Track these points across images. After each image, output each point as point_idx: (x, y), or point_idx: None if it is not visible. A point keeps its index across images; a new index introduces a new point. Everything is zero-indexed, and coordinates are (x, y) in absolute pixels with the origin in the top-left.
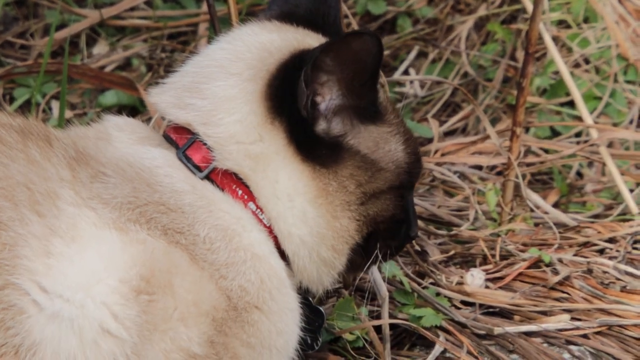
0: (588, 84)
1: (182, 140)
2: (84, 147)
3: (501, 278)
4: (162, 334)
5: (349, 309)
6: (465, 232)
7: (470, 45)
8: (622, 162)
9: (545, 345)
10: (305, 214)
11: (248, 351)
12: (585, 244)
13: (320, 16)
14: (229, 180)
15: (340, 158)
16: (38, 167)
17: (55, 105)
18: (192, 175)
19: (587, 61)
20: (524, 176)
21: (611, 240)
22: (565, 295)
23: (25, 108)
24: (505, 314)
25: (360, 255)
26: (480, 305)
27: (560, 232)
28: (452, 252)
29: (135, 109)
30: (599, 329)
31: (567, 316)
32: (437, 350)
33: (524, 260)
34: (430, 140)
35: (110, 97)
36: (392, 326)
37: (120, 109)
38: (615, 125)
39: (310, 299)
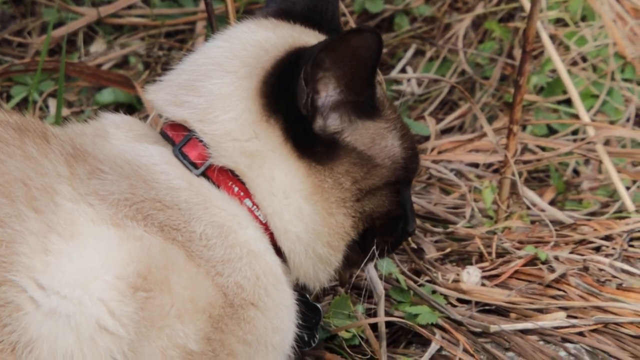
0: (585, 82)
1: (179, 137)
2: (81, 143)
3: (497, 276)
4: (159, 331)
5: (345, 307)
6: (461, 230)
7: (468, 44)
8: (619, 160)
9: (541, 342)
10: (301, 211)
11: (244, 348)
12: (582, 242)
13: (318, 13)
14: (225, 177)
15: (336, 155)
16: (35, 163)
17: (52, 103)
18: (188, 173)
19: (584, 59)
20: (520, 174)
21: (607, 237)
22: (561, 292)
23: (23, 106)
24: (501, 311)
25: (357, 252)
26: (477, 303)
27: (556, 230)
28: (448, 250)
29: (132, 107)
30: (595, 327)
31: (563, 314)
32: (433, 348)
33: (520, 257)
34: (427, 138)
35: (107, 95)
36: (388, 324)
37: (117, 107)
38: (612, 123)
39: (307, 295)
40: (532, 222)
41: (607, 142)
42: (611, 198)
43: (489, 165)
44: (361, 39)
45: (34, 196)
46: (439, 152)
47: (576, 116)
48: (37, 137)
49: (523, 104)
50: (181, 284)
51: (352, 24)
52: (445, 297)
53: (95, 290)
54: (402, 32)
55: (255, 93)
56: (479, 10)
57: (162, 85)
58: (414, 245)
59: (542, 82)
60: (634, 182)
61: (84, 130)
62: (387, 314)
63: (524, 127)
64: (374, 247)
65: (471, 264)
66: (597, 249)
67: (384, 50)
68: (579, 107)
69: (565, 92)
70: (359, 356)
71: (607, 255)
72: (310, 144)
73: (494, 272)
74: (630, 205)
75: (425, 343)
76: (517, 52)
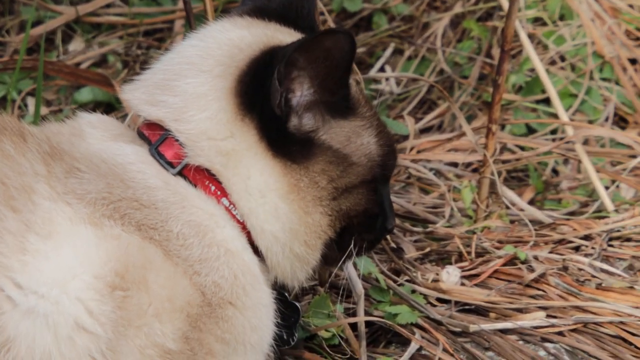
0: (564, 82)
1: (155, 136)
2: (58, 142)
3: (477, 275)
4: (136, 330)
5: (324, 307)
6: (440, 229)
7: (446, 43)
8: (598, 160)
9: (520, 342)
10: (277, 210)
11: (222, 347)
12: (561, 241)
13: (293, 10)
14: (202, 177)
15: (312, 154)
16: (12, 161)
17: (31, 102)
18: (164, 172)
19: (562, 58)
20: (499, 173)
21: (587, 237)
22: (540, 292)
23: (1, 105)
24: (480, 311)
25: (335, 250)
26: (456, 303)
27: (535, 230)
28: (427, 249)
29: (111, 106)
30: (574, 327)
31: (542, 313)
32: (412, 347)
33: (499, 257)
34: (406, 138)
35: (86, 94)
36: (368, 323)
37: (96, 106)
38: (590, 122)
39: (287, 294)
40: (512, 222)
41: (585, 142)
42: (590, 198)
43: (468, 165)
44: (335, 40)
45: (11, 195)
46: (418, 152)
47: (555, 115)
48: (15, 136)
49: (502, 103)
50: (159, 283)
51: (331, 23)
52: (425, 296)
53: (73, 289)
54: (381, 31)
55: (230, 92)
56: (457, 9)
57: (138, 84)
58: (393, 245)
59: (521, 81)
60: (613, 181)
61: (61, 130)
62: (366, 313)
63: (502, 127)
64: (352, 245)
65: (450, 263)
66: (577, 249)
67: (362, 50)
68: (558, 106)
69: (544, 91)
70: (339, 356)
71: (586, 255)
72: (285, 143)
73: (473, 272)
74: (610, 205)
75: (405, 343)
76: (496, 51)
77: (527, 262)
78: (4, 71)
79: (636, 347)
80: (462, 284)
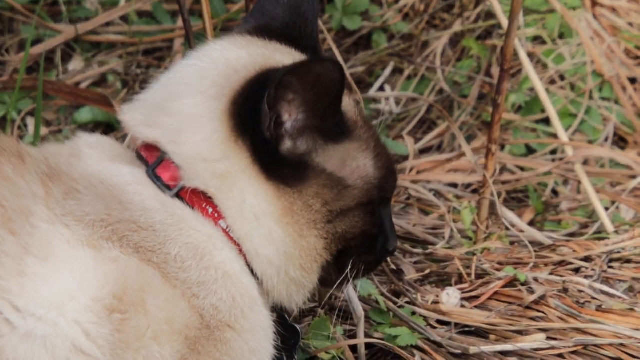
0: (563, 101)
1: (152, 158)
2: (57, 163)
3: (477, 297)
4: (135, 353)
5: (324, 328)
6: (440, 251)
7: (446, 61)
8: (598, 180)
9: None
10: (271, 234)
11: None
12: (561, 263)
13: (297, 30)
14: (199, 199)
15: (305, 177)
16: (11, 183)
17: (30, 122)
18: (161, 194)
19: (562, 78)
20: (499, 194)
21: (587, 259)
22: (540, 314)
23: (0, 125)
24: (481, 333)
25: (334, 272)
26: (456, 325)
27: (535, 251)
28: (427, 271)
29: (111, 126)
30: (574, 349)
31: (542, 335)
32: None
33: (499, 279)
34: (405, 158)
35: (85, 114)
36: (368, 345)
37: (95, 126)
38: (590, 142)
39: (287, 316)
40: (512, 243)
41: (585, 162)
42: (590, 219)
43: (468, 186)
44: (324, 68)
45: (10, 218)
46: (418, 172)
47: (555, 135)
48: (13, 157)
49: (501, 123)
50: (157, 305)
51: (330, 41)
52: (425, 318)
53: (70, 311)
54: (380, 49)
55: (224, 114)
56: (457, 27)
57: (135, 105)
58: (393, 267)
59: (521, 100)
60: (613, 202)
61: (60, 151)
62: (366, 335)
63: (502, 147)
64: (350, 267)
65: (450, 285)
66: (577, 270)
67: (361, 69)
68: (558, 126)
69: (543, 111)
70: None
71: (586, 277)
72: (278, 166)
73: (473, 294)
74: (610, 226)
75: None
76: (495, 70)
77: (527, 284)
78: (4, 91)
79: None
80: (462, 306)
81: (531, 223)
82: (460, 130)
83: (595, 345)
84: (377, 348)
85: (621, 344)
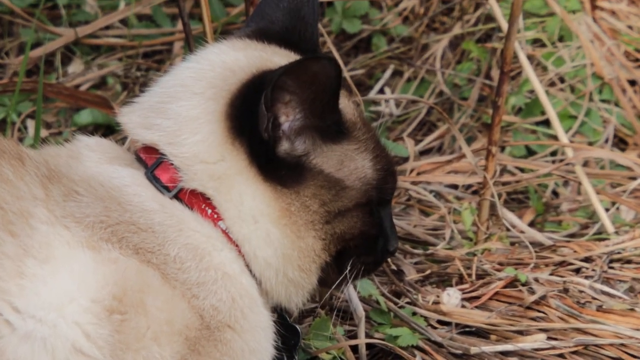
0: (563, 103)
1: (151, 160)
2: (56, 165)
3: (477, 297)
4: (135, 353)
5: (325, 329)
6: (441, 252)
7: (446, 64)
8: (598, 181)
9: None
10: (269, 235)
11: None
12: (561, 263)
13: (296, 33)
14: (198, 200)
15: (302, 178)
16: (11, 185)
17: (30, 124)
18: (160, 195)
19: (562, 80)
20: (499, 195)
21: (587, 259)
22: (541, 314)
23: (0, 127)
24: (481, 333)
25: (334, 273)
26: (457, 325)
27: (536, 252)
28: (428, 272)
29: (110, 128)
30: (575, 349)
31: (543, 336)
32: None
33: (500, 279)
34: (405, 160)
35: (85, 116)
36: (369, 346)
37: (95, 128)
38: (590, 144)
39: (287, 317)
40: (512, 244)
41: (585, 164)
42: (590, 219)
43: (468, 187)
44: (321, 65)
45: (10, 220)
46: (418, 174)
47: (554, 137)
48: (13, 159)
49: (501, 125)
50: (157, 306)
51: (330, 44)
52: (426, 318)
53: (70, 313)
54: (380, 52)
55: (221, 115)
56: (457, 30)
57: (134, 107)
58: (393, 267)
59: (520, 102)
60: (613, 203)
61: (59, 152)
62: (367, 335)
63: (502, 148)
64: (350, 268)
65: (451, 285)
66: (577, 271)
67: (362, 71)
68: (558, 128)
69: (543, 112)
70: None
71: (587, 277)
72: (275, 168)
73: (474, 294)
74: (610, 227)
75: None
76: (495, 73)
77: (527, 284)
78: (4, 93)
79: None
80: (463, 306)
81: (532, 224)
82: (460, 132)
83: (596, 345)
84: (378, 348)
85: (622, 344)
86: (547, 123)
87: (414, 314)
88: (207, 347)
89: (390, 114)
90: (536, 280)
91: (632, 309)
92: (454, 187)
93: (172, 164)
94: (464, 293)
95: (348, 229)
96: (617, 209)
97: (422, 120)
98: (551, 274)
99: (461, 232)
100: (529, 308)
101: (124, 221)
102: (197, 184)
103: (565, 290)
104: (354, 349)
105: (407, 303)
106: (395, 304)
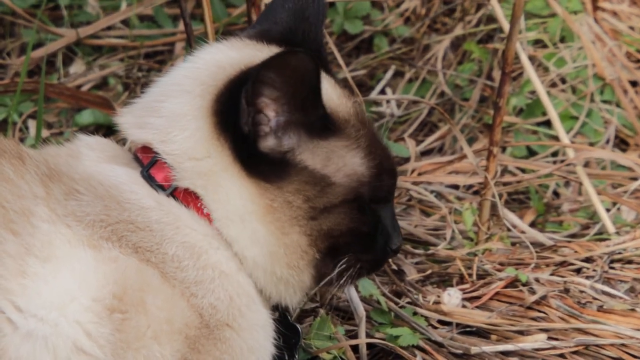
0: (564, 104)
1: (147, 159)
2: (56, 164)
3: (478, 297)
4: (135, 352)
5: (326, 328)
6: (442, 252)
7: (447, 65)
8: (599, 182)
9: None
10: (255, 234)
11: None
12: (562, 264)
13: (300, 34)
14: (193, 198)
15: (286, 173)
16: (12, 184)
17: (32, 124)
18: (156, 193)
19: (563, 81)
20: (500, 195)
21: (588, 259)
22: (542, 314)
23: (2, 127)
24: (482, 333)
25: (330, 271)
26: (457, 325)
27: (537, 252)
28: (429, 272)
29: (111, 128)
30: (575, 349)
31: (544, 336)
32: None
33: (500, 279)
34: (407, 160)
35: (86, 117)
36: (369, 345)
37: (96, 129)
38: (591, 144)
39: (288, 316)
40: (513, 244)
41: (586, 164)
42: (591, 220)
43: (469, 187)
44: (298, 59)
45: (11, 218)
46: (419, 174)
47: (556, 138)
48: (13, 159)
49: (503, 126)
50: (157, 305)
51: (332, 45)
52: (426, 318)
53: (71, 312)
54: (381, 53)
55: (207, 111)
56: (458, 31)
57: (130, 107)
58: (394, 267)
59: (522, 103)
60: (614, 204)
61: (59, 152)
62: (368, 335)
63: (503, 149)
64: (345, 265)
65: (452, 285)
66: (578, 271)
67: (363, 72)
68: (559, 128)
69: (544, 113)
70: None
71: (587, 277)
72: (257, 163)
73: (474, 294)
74: (611, 227)
75: None
76: (497, 74)
77: (528, 285)
78: (5, 94)
79: None
80: (464, 306)
81: (532, 224)
82: (462, 132)
83: (597, 346)
84: (379, 348)
85: (622, 344)
86: (548, 124)
87: (415, 313)
88: (207, 346)
89: (391, 115)
90: (537, 280)
91: (632, 309)
92: (455, 187)
93: (166, 163)
94: (464, 293)
95: (335, 226)
96: (618, 209)
97: (424, 120)
98: (552, 274)
99: (462, 232)
100: (529, 308)
101: (123, 220)
102: (189, 182)
103: (566, 291)
104: (355, 348)
105: (408, 303)
106: (396, 303)
